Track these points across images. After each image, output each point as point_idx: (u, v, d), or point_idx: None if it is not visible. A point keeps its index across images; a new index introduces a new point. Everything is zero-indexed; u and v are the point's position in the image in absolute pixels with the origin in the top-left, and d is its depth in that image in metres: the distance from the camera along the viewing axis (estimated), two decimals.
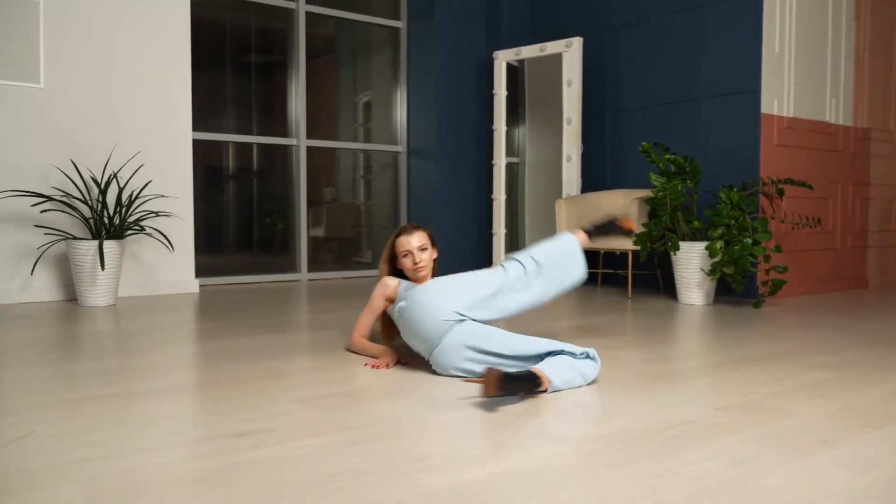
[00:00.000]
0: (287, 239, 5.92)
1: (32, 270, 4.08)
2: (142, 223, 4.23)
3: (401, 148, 6.30)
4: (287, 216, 5.93)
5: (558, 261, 2.58)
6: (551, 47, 5.44)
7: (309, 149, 5.80)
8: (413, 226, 2.60)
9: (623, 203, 4.92)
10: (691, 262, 4.18)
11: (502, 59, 5.75)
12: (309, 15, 5.77)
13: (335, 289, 5.12)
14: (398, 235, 2.58)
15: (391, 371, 2.36)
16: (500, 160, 5.78)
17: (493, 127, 5.81)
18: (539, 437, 1.67)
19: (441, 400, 2.01)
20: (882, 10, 5.27)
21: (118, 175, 4.24)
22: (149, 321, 3.51)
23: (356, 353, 2.62)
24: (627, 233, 2.80)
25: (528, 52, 5.60)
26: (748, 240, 3.91)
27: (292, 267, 5.82)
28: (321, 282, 5.63)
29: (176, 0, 4.62)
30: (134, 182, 4.33)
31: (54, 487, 1.35)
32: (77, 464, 1.47)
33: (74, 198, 4.12)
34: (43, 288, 4.18)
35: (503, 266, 2.53)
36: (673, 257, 4.27)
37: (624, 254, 5.01)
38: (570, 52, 5.32)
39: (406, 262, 2.52)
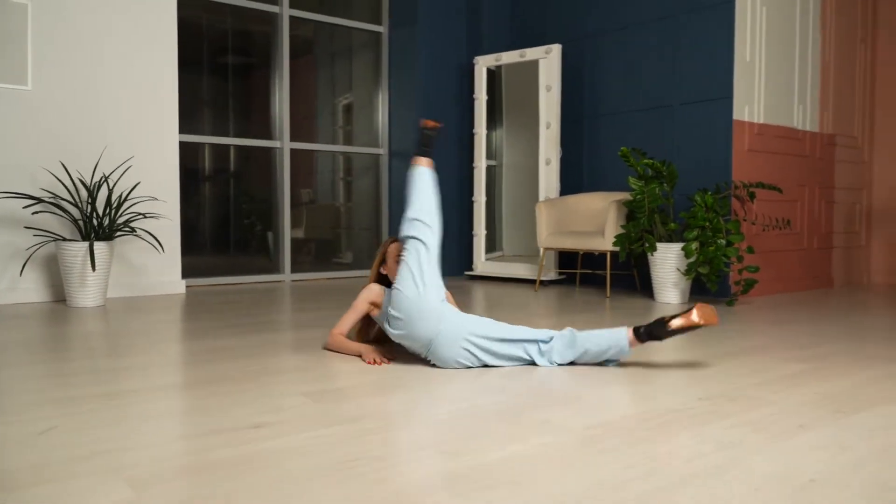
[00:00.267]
0: (269, 241, 5.97)
1: (21, 271, 4.09)
2: (131, 224, 4.27)
3: (382, 150, 6.39)
4: (269, 218, 5.98)
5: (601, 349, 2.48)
6: (531, 53, 5.58)
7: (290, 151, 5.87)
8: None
9: (601, 206, 5.07)
10: (667, 262, 4.34)
11: (483, 65, 5.87)
12: (291, 18, 5.84)
13: (318, 289, 5.19)
14: (393, 242, 2.76)
15: (387, 368, 2.46)
16: (481, 163, 5.91)
17: (474, 130, 5.94)
18: (539, 426, 1.78)
19: (440, 394, 2.12)
20: (845, 22, 5.50)
21: (108, 178, 4.27)
22: (141, 321, 3.56)
23: (333, 350, 2.73)
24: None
25: (509, 57, 5.73)
26: (722, 241, 4.08)
27: (275, 268, 5.88)
28: (304, 282, 5.70)
29: (162, 3, 4.67)
30: (122, 184, 4.36)
31: (90, 476, 1.42)
32: (104, 454, 1.55)
33: (63, 199, 4.14)
34: (31, 289, 4.19)
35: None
36: (650, 258, 4.42)
37: (602, 254, 5.16)
38: (550, 59, 5.46)
39: (392, 251, 2.74)
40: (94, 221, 4.13)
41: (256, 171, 6.11)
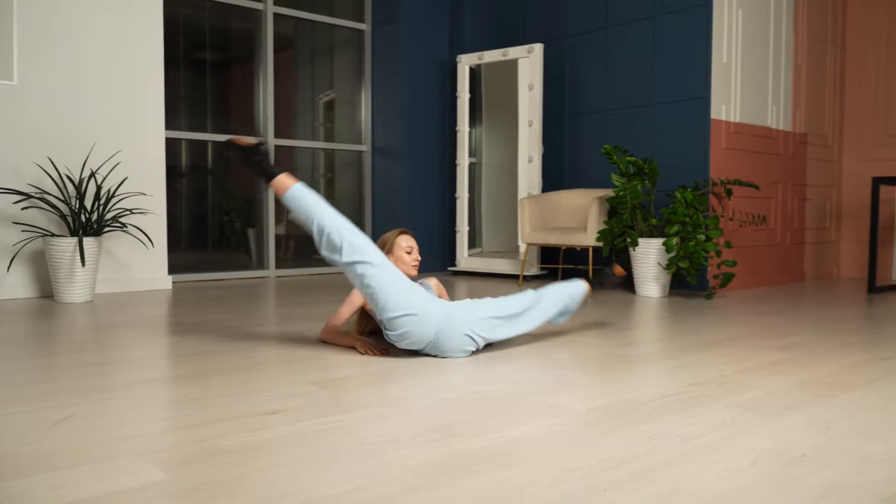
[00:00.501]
0: (254, 236, 6.00)
1: (9, 267, 4.08)
2: (121, 220, 4.27)
3: (365, 147, 6.44)
4: (250, 215, 6.00)
5: (561, 298, 2.85)
6: (513, 52, 5.68)
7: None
8: (407, 232, 2.89)
9: (583, 203, 5.19)
10: (649, 257, 4.47)
11: (465, 63, 5.96)
12: (274, 15, 5.86)
13: (304, 285, 5.24)
14: (401, 234, 2.84)
15: (388, 358, 2.54)
16: (464, 160, 5.99)
17: (457, 128, 6.02)
18: (543, 409, 1.87)
19: (444, 382, 2.20)
20: (816, 25, 5.69)
21: (95, 173, 4.27)
22: (133, 316, 3.59)
23: (326, 342, 2.79)
24: (621, 278, 3.19)
25: (491, 56, 5.82)
26: (701, 236, 4.21)
27: (260, 264, 5.90)
28: (289, 278, 5.74)
29: None
30: (110, 179, 4.37)
31: (118, 459, 1.48)
32: (129, 439, 1.61)
33: (50, 195, 4.14)
34: (17, 284, 4.18)
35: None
36: (632, 252, 4.55)
37: (584, 250, 5.28)
38: (532, 58, 5.56)
39: (407, 257, 2.80)
40: (83, 217, 4.13)
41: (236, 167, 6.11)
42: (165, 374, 2.30)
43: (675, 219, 4.26)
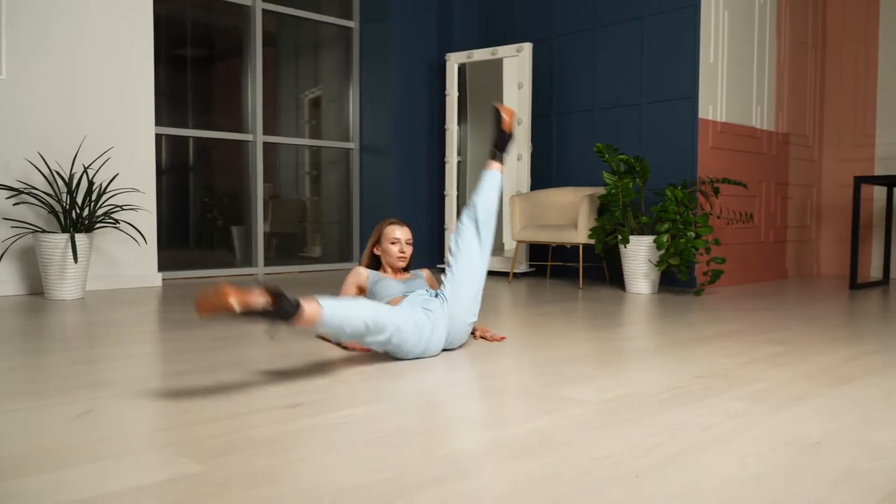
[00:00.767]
0: (238, 234, 5.97)
1: None
2: (113, 216, 4.24)
3: (353, 145, 6.44)
4: (236, 212, 5.97)
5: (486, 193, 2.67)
6: (502, 51, 5.72)
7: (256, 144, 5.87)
8: (402, 221, 2.86)
9: (571, 200, 5.25)
10: (639, 254, 4.54)
11: (454, 61, 5.99)
12: (263, 11, 5.84)
13: (293, 281, 5.23)
14: (389, 224, 2.82)
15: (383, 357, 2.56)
16: (452, 158, 6.02)
17: (446, 126, 6.04)
18: (560, 401, 1.91)
19: (458, 377, 2.23)
20: (797, 28, 5.81)
21: (87, 169, 4.23)
22: (130, 312, 3.56)
23: (324, 338, 2.78)
24: (503, 123, 2.78)
25: (480, 55, 5.86)
26: (691, 233, 4.29)
27: (246, 261, 5.88)
28: (278, 275, 5.73)
29: None
30: (100, 175, 4.32)
31: (149, 451, 1.49)
32: (154, 433, 1.61)
33: (40, 191, 4.09)
34: (7, 281, 4.12)
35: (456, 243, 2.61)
36: (622, 250, 4.61)
37: (574, 247, 5.33)
38: (521, 56, 5.61)
39: (392, 249, 2.76)
40: (74, 213, 4.09)
41: (221, 164, 6.07)
42: (174, 369, 2.30)
43: (666, 216, 4.33)
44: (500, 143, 2.75)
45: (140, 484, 1.30)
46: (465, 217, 2.62)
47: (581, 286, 4.92)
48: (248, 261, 5.88)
